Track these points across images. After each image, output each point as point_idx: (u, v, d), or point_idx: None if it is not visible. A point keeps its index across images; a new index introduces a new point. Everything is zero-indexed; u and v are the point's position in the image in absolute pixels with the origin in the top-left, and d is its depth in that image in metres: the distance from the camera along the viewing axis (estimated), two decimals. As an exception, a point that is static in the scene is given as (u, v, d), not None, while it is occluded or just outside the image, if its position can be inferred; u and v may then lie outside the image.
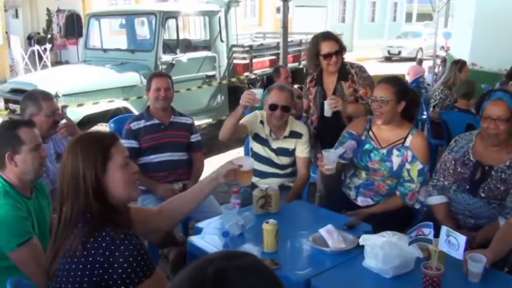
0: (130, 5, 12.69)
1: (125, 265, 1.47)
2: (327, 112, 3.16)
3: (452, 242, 1.77)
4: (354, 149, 2.96)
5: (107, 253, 1.47)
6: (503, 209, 2.50)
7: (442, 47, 16.09)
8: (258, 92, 3.06)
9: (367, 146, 2.96)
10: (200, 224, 2.60)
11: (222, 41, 7.08)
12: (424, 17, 28.68)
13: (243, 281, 0.86)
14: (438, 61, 11.78)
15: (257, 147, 3.30)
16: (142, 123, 3.41)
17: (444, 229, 1.82)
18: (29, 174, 2.16)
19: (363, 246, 2.07)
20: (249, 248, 2.31)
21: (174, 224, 2.11)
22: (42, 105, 2.84)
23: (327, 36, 3.43)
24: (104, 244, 1.48)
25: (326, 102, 3.16)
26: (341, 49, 3.38)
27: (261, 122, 3.27)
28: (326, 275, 2.02)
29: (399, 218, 2.79)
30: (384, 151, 2.89)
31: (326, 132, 3.37)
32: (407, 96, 2.87)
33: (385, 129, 2.92)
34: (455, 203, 2.66)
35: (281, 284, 0.92)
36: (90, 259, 1.48)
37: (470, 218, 2.62)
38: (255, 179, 3.21)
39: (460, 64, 6.03)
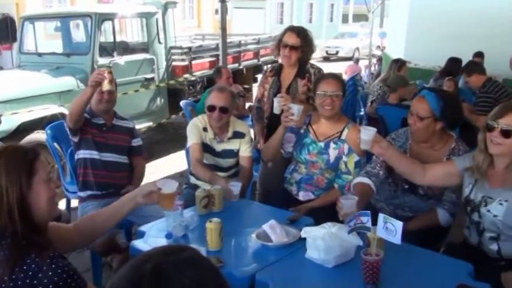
0: (65, 8, 12.24)
1: None
2: (276, 109, 3.18)
3: (390, 228, 1.84)
4: (292, 142, 3.03)
5: (35, 281, 1.41)
6: (440, 202, 2.62)
7: (378, 47, 16.64)
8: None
9: (306, 140, 3.03)
10: (143, 228, 2.55)
11: (160, 42, 7.00)
12: (360, 17, 29.63)
13: (182, 274, 0.85)
14: (374, 60, 12.21)
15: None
16: (87, 117, 3.30)
17: (381, 216, 1.88)
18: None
19: (305, 239, 2.11)
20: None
21: (90, 242, 2.05)
22: None
23: (295, 29, 3.52)
24: (30, 272, 1.42)
25: (275, 100, 3.18)
26: (302, 46, 3.43)
27: (204, 129, 3.22)
28: (270, 269, 2.04)
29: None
30: (322, 144, 2.96)
31: (276, 126, 3.35)
32: (344, 91, 3.02)
33: (323, 123, 3.00)
34: (394, 200, 2.76)
35: (221, 275, 0.92)
36: (19, 284, 1.41)
37: (409, 212, 2.73)
38: (198, 183, 3.19)
39: (399, 63, 6.29)
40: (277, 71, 3.58)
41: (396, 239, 1.83)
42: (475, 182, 2.31)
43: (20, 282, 1.41)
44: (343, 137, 2.94)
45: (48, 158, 1.61)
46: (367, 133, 2.33)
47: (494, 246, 2.26)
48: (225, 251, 2.20)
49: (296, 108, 2.83)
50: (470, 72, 5.23)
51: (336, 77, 3.04)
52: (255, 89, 3.82)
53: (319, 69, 3.56)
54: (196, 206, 2.68)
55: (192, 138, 3.17)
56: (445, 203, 2.59)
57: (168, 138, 7.54)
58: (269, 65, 3.71)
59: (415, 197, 2.71)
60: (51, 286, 1.42)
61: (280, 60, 3.65)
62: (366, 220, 1.90)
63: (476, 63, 5.70)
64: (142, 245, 2.34)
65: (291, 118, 2.83)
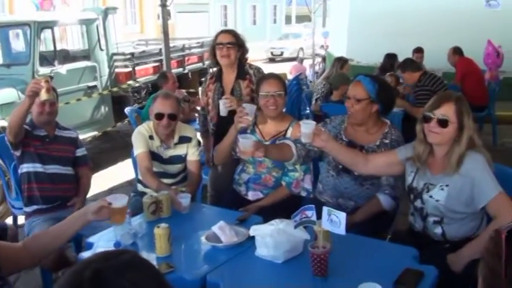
0: (3, 16, 11.74)
1: None
2: (223, 112, 3.19)
3: (334, 220, 1.89)
4: (238, 140, 3.04)
5: None
6: (380, 187, 2.72)
7: (322, 46, 16.99)
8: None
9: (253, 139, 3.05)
10: (91, 239, 2.49)
11: (101, 49, 6.88)
12: (303, 18, 30.10)
13: (121, 278, 0.85)
14: (318, 59, 12.45)
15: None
16: (28, 129, 3.19)
17: (325, 209, 1.93)
18: None
19: (254, 238, 2.13)
20: (143, 255, 2.26)
21: (39, 261, 1.99)
22: None
23: (226, 30, 3.56)
24: None
25: (221, 102, 3.19)
26: (238, 44, 3.45)
27: (150, 137, 3.16)
28: (220, 270, 2.05)
29: (287, 207, 2.91)
30: (268, 143, 3.00)
31: (225, 130, 3.36)
32: (285, 90, 3.08)
33: (269, 123, 3.05)
34: (334, 189, 2.83)
35: (161, 275, 0.93)
36: None
37: (350, 201, 2.80)
38: (146, 190, 3.15)
39: (341, 61, 6.44)
40: (218, 76, 3.56)
41: (341, 230, 1.88)
42: (417, 170, 2.41)
43: None
44: (288, 135, 2.99)
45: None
46: (307, 126, 2.41)
47: (438, 230, 2.37)
48: (175, 255, 2.19)
49: (249, 108, 2.85)
50: (404, 70, 5.44)
51: (277, 76, 3.11)
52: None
53: (258, 69, 3.60)
54: (144, 213, 2.65)
55: (139, 147, 3.11)
56: (384, 188, 2.70)
57: (115, 147, 7.39)
58: (209, 72, 3.68)
59: (350, 180, 2.78)
60: None
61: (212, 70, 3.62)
62: (311, 214, 1.95)
63: (411, 61, 5.88)
64: (90, 255, 2.29)
65: (246, 118, 2.84)
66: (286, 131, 3.01)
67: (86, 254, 2.33)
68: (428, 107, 2.31)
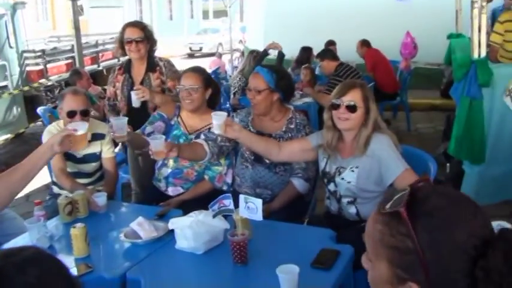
0: None
1: None
2: (135, 103, 3.14)
3: (251, 207, 1.94)
4: (162, 130, 3.02)
5: None
6: (292, 172, 2.80)
7: (241, 41, 17.08)
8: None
9: (176, 132, 3.04)
10: (6, 246, 2.37)
11: (11, 47, 6.53)
12: (220, 13, 30.02)
13: (23, 274, 0.83)
14: (237, 54, 12.52)
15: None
16: None
17: (242, 197, 1.97)
18: None
19: (174, 231, 2.13)
20: (61, 258, 2.17)
21: (6, 204, 1.93)
22: None
23: (133, 23, 3.52)
24: None
25: (133, 93, 3.14)
26: (146, 38, 3.43)
27: None
28: (141, 266, 2.03)
29: (208, 201, 2.90)
30: (192, 137, 2.99)
31: (134, 121, 3.29)
32: (211, 84, 3.06)
33: (193, 116, 3.04)
34: (250, 180, 2.88)
35: (67, 270, 0.91)
36: None
37: (266, 190, 2.85)
38: (62, 192, 3.03)
39: (254, 53, 6.50)
40: (127, 67, 3.54)
41: (258, 216, 1.93)
42: (328, 156, 2.52)
43: None
44: (211, 130, 2.99)
45: None
46: (218, 118, 2.43)
47: (352, 210, 2.49)
48: (93, 255, 2.13)
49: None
50: (322, 58, 5.61)
51: (195, 70, 3.08)
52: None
53: (168, 61, 3.63)
54: (60, 215, 2.56)
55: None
56: (297, 171, 2.79)
57: (30, 150, 6.86)
58: (117, 64, 3.64)
59: (264, 169, 2.84)
60: None
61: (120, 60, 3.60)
62: (229, 203, 1.98)
63: (329, 50, 6.11)
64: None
65: (114, 133, 2.67)
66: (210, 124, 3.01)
67: None
68: (335, 94, 2.42)
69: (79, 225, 2.15)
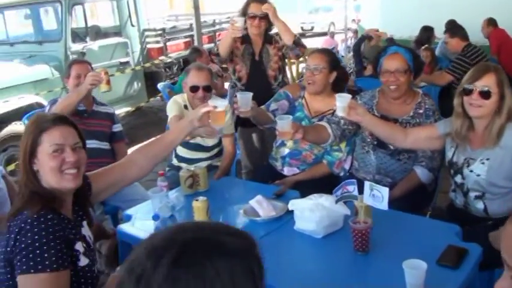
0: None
1: (24, 244, 1.50)
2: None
3: (377, 195, 1.85)
4: (286, 109, 3.00)
5: (18, 232, 1.52)
6: (416, 160, 2.65)
7: (354, 20, 16.62)
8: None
9: (298, 114, 3.00)
10: (129, 211, 2.53)
11: (132, 25, 6.89)
12: (334, -9, 29.44)
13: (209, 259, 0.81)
14: (350, 33, 12.19)
15: None
16: None
17: (367, 184, 1.89)
18: None
19: (293, 212, 2.12)
20: (180, 227, 2.29)
21: (148, 172, 2.06)
22: None
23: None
24: (18, 222, 1.54)
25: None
26: (267, 16, 3.46)
27: (185, 106, 3.18)
28: (260, 243, 2.03)
29: (323, 184, 2.86)
30: (315, 120, 2.95)
31: (254, 89, 3.16)
32: (338, 68, 2.97)
33: (316, 99, 2.98)
34: (370, 165, 2.77)
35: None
36: (7, 236, 1.56)
37: (387, 177, 2.73)
38: (182, 165, 3.15)
39: (367, 36, 6.27)
40: (246, 37, 3.57)
41: (383, 205, 1.84)
42: (457, 145, 2.34)
43: (11, 229, 1.55)
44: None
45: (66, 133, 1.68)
46: (342, 100, 2.34)
47: (480, 205, 2.30)
48: (213, 229, 2.19)
49: (244, 97, 2.58)
50: (454, 35, 5.21)
51: (322, 51, 3.04)
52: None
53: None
54: (181, 187, 2.66)
55: (173, 112, 3.14)
56: (421, 160, 2.63)
57: (148, 123, 7.46)
58: None
59: (386, 155, 2.71)
60: (29, 242, 1.49)
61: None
62: (353, 189, 1.91)
63: (461, 27, 5.57)
64: (129, 228, 2.34)
65: (239, 108, 2.61)
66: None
67: (124, 226, 2.37)
68: (467, 79, 2.23)
69: (201, 198, 2.21)
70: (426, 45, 6.08)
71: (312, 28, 21.60)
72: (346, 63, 6.40)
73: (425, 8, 8.59)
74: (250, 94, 2.60)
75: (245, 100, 2.58)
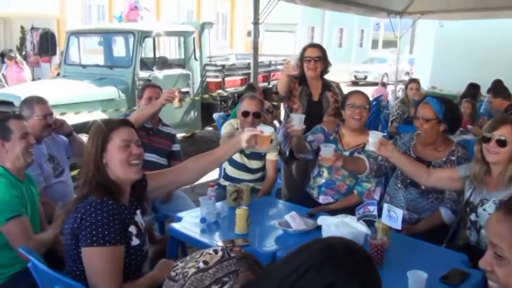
0: (109, 24, 12.98)
1: (89, 222, 1.81)
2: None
3: (393, 216, 2.15)
4: (321, 142, 3.30)
5: (84, 212, 1.84)
6: (442, 201, 2.92)
7: (407, 73, 16.81)
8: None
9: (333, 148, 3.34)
10: (180, 214, 2.90)
11: (196, 59, 7.47)
12: (390, 44, 29.64)
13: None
14: (402, 86, 12.42)
15: (235, 154, 3.61)
16: None
17: (386, 205, 2.20)
18: (20, 160, 2.43)
19: (321, 228, 2.44)
20: (223, 231, 2.67)
21: (196, 180, 2.38)
22: (35, 109, 3.06)
23: (314, 45, 3.99)
24: (84, 205, 1.86)
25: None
26: (323, 58, 3.84)
27: (237, 129, 3.58)
28: (289, 248, 2.36)
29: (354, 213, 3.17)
30: (347, 153, 3.27)
31: (308, 124, 3.39)
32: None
33: (349, 134, 3.33)
34: (400, 201, 3.04)
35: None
36: (74, 215, 1.86)
37: (414, 213, 3.00)
38: (227, 183, 3.53)
39: (408, 82, 6.60)
40: (302, 80, 3.88)
41: (397, 225, 2.15)
42: (474, 187, 2.61)
43: (78, 209, 1.86)
44: (366, 148, 3.22)
45: (131, 132, 2.08)
46: (375, 136, 2.69)
47: None
48: (250, 234, 2.54)
49: (297, 118, 2.97)
50: (497, 95, 5.44)
51: (362, 92, 3.41)
52: (283, 109, 4.25)
53: (338, 84, 4.01)
54: (226, 200, 3.03)
55: (225, 130, 3.58)
56: (446, 202, 2.90)
57: (199, 150, 7.67)
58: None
59: (417, 193, 2.99)
60: (89, 219, 1.82)
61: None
62: (373, 209, 2.22)
63: (505, 88, 5.86)
64: (179, 226, 2.71)
65: (294, 129, 2.98)
66: (365, 144, 3.25)
67: (175, 225, 2.75)
68: (486, 128, 2.53)
69: (243, 207, 2.58)
70: (468, 99, 6.30)
71: (366, 77, 21.94)
72: (391, 110, 6.70)
73: (475, 66, 8.80)
74: (303, 116, 2.96)
75: (298, 120, 2.94)
